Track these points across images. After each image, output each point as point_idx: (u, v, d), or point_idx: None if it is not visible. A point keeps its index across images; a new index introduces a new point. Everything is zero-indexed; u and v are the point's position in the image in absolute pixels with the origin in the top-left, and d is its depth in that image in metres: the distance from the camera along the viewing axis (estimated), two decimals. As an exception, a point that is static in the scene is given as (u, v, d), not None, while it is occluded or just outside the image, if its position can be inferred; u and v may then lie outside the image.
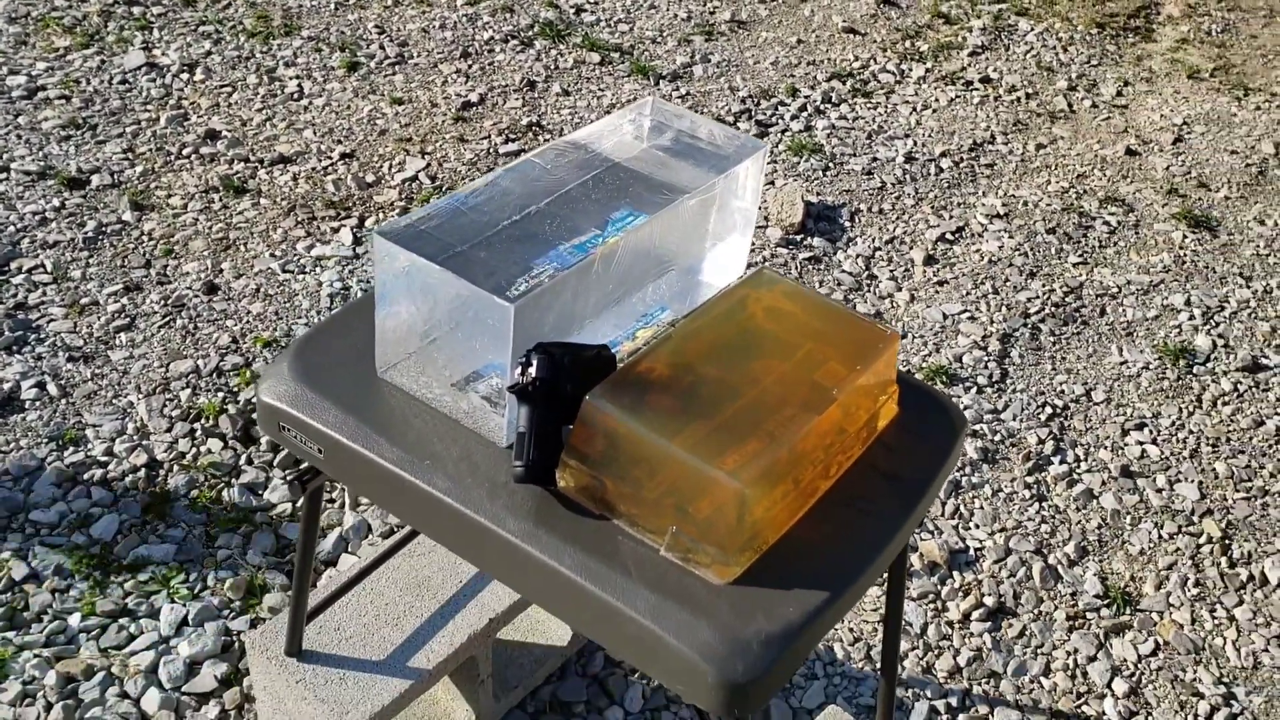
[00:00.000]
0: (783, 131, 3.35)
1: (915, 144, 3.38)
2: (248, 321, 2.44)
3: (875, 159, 3.28)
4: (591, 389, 1.11)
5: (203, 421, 2.18)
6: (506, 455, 1.15)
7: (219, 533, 1.99)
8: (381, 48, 3.49)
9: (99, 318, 2.39)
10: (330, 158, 2.98)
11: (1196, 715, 1.94)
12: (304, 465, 1.28)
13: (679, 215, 1.26)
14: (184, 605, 1.85)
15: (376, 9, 3.70)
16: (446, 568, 1.68)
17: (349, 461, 1.15)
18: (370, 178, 2.93)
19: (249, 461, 2.13)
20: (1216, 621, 2.10)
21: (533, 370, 1.08)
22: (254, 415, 2.21)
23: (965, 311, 2.75)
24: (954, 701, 1.91)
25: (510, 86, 3.39)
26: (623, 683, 1.84)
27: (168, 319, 2.41)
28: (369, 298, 1.31)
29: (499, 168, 1.40)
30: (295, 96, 3.21)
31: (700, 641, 0.98)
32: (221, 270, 2.57)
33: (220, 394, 2.25)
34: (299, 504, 2.05)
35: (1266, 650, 2.05)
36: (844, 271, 2.82)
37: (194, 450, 2.13)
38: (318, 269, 2.61)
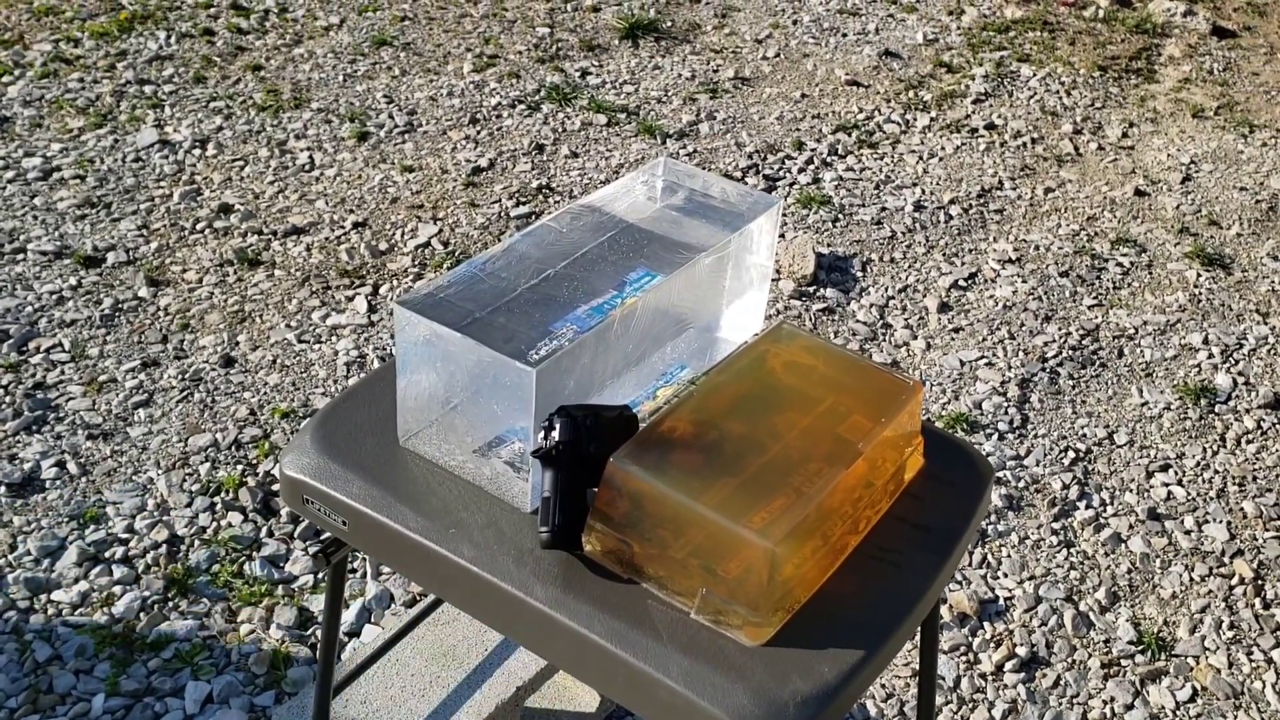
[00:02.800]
0: (790, 185, 3.37)
1: (923, 192, 3.40)
2: (265, 393, 2.44)
3: (884, 208, 3.29)
4: (614, 449, 1.10)
5: (223, 495, 2.18)
6: (531, 521, 1.14)
7: (241, 607, 1.98)
8: (390, 117, 3.53)
9: (117, 394, 2.40)
10: (343, 227, 3.00)
11: (1240, 762, 1.90)
12: (326, 537, 1.27)
13: (695, 273, 1.26)
14: (208, 682, 1.84)
15: (384, 79, 3.75)
16: (472, 636, 1.66)
17: (374, 532, 1.15)
18: (383, 245, 2.95)
19: (269, 534, 2.12)
20: (1254, 664, 2.07)
21: (555, 434, 1.07)
22: (274, 487, 2.21)
23: (983, 357, 2.74)
24: (991, 756, 1.88)
25: (519, 150, 3.42)
26: (653, 747, 1.81)
27: (185, 393, 2.42)
28: (388, 367, 1.31)
29: (516, 233, 1.41)
30: (306, 168, 3.24)
31: (736, 706, 0.96)
32: (238, 343, 2.58)
33: (239, 466, 2.25)
34: (321, 576, 2.04)
35: (1308, 692, 2.01)
36: (858, 321, 2.81)
37: (214, 524, 2.12)
38: (333, 338, 2.62)
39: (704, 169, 3.35)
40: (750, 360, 1.24)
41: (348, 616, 1.98)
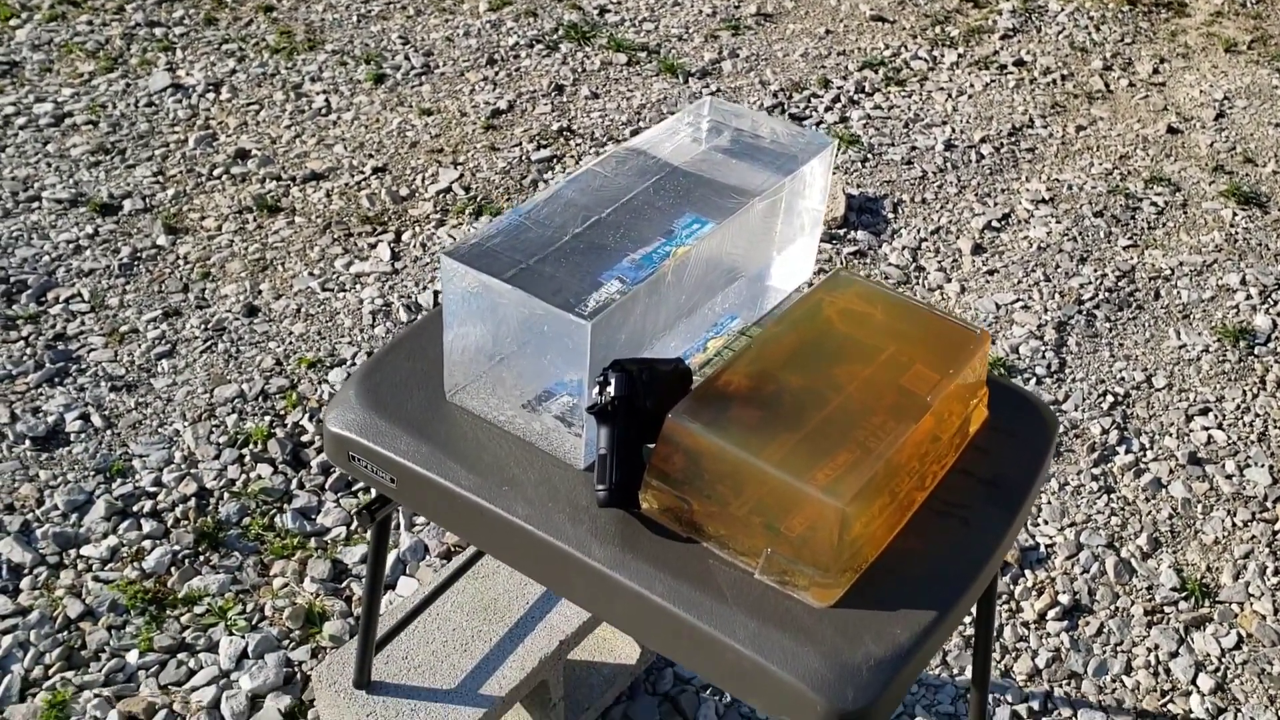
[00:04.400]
0: (817, 124, 3.29)
1: (954, 131, 3.32)
2: (290, 343, 2.40)
3: (914, 148, 3.22)
4: (670, 404, 1.06)
5: (251, 447, 2.15)
6: (585, 478, 1.10)
7: (273, 560, 1.96)
8: (407, 58, 3.45)
9: (139, 345, 2.36)
10: (362, 172, 2.94)
11: (1287, 710, 1.87)
12: (372, 495, 1.23)
13: (747, 220, 1.21)
14: (243, 637, 1.82)
15: (399, 20, 3.66)
16: (513, 589, 1.64)
17: (423, 490, 1.11)
18: (404, 191, 2.89)
19: (300, 486, 2.09)
20: (1300, 611, 2.04)
21: (611, 389, 1.03)
22: (303, 438, 2.18)
23: (1018, 300, 2.69)
24: (1035, 705, 1.85)
25: (538, 92, 3.35)
26: (694, 699, 1.79)
27: (209, 343, 2.38)
28: (430, 318, 1.27)
29: (560, 178, 1.35)
30: (323, 111, 3.17)
31: (807, 669, 0.93)
32: (260, 291, 2.53)
33: (267, 418, 2.21)
34: (354, 529, 2.01)
35: (1355, 639, 1.98)
36: (891, 265, 2.76)
37: (243, 477, 2.09)
38: (357, 286, 2.57)
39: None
40: (807, 309, 1.19)
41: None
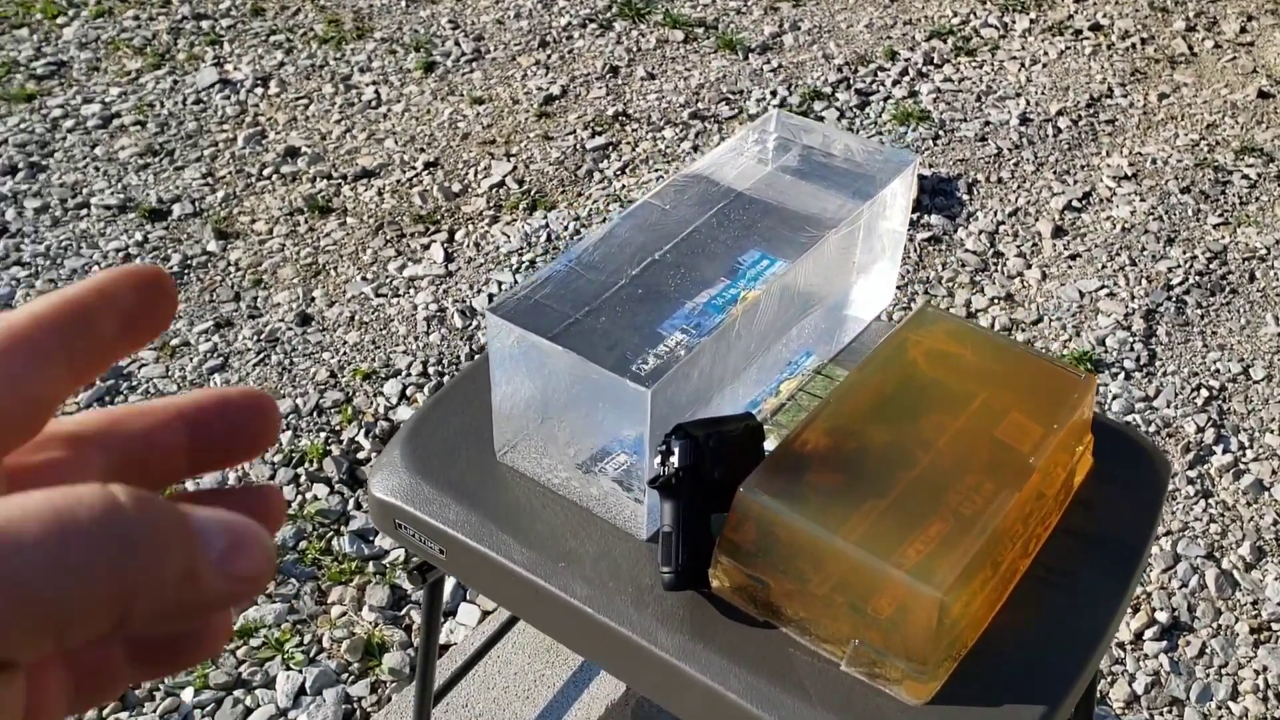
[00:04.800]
0: (885, 99, 3.15)
1: (1028, 103, 3.15)
2: (344, 353, 2.33)
3: (988, 123, 3.06)
4: (741, 468, 0.96)
5: (306, 465, 2.09)
6: (648, 550, 1.01)
7: (331, 586, 1.90)
8: (457, 44, 3.35)
9: (191, 359, 2.31)
10: (414, 168, 2.86)
11: None
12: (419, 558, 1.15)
13: (822, 254, 1.09)
14: (300, 672, 1.76)
15: (448, 3, 3.56)
16: (575, 629, 1.55)
17: (474, 563, 1.02)
18: (456, 187, 2.81)
19: (358, 506, 2.02)
20: None
21: (674, 459, 0.93)
22: (359, 455, 2.11)
23: (1103, 287, 2.54)
24: (1134, 736, 1.74)
25: (592, 75, 3.23)
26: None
27: (262, 355, 2.32)
28: (476, 366, 1.18)
29: (616, 215, 1.25)
30: (373, 104, 3.09)
31: (901, 781, 0.83)
32: (313, 299, 2.47)
33: (323, 434, 2.15)
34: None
35: None
36: (968, 251, 2.62)
37: (299, 498, 2.03)
38: (411, 291, 2.49)
39: (790, 85, 3.14)
40: (890, 352, 1.08)
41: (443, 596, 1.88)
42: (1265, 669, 1.83)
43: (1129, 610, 1.90)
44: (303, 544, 1.96)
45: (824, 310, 1.18)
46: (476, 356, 2.32)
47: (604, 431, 1.04)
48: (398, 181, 2.82)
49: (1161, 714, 1.77)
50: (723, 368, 1.04)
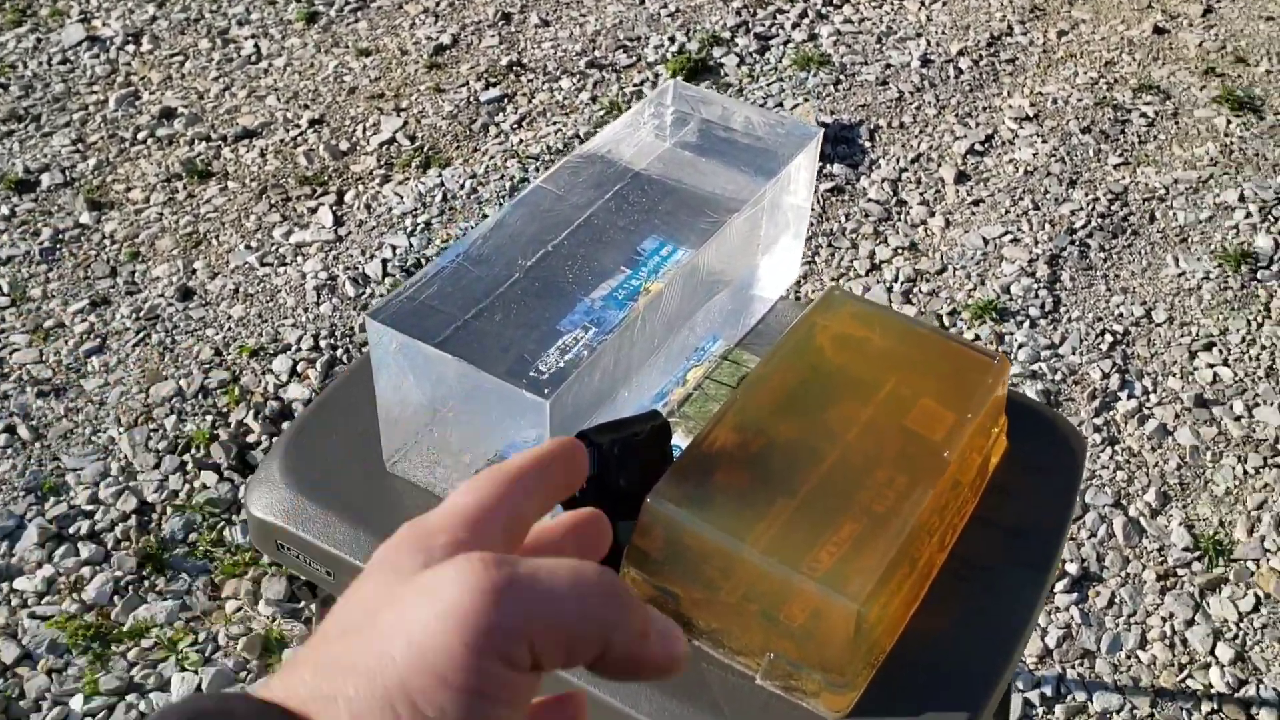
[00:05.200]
0: (785, 43, 3.08)
1: (929, 44, 3.12)
2: (229, 328, 2.22)
3: (889, 65, 3.02)
4: (649, 471, 0.90)
5: (193, 452, 1.98)
6: (553, 563, 0.95)
7: (224, 580, 1.81)
8: (340, -8, 3.19)
9: (67, 341, 2.18)
10: (298, 126, 2.73)
11: (1310, 676, 1.78)
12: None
13: (726, 238, 1.04)
14: (196, 673, 1.68)
15: (329, -52, 3.39)
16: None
17: (364, 585, 0.96)
18: (344, 145, 2.68)
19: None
20: (1319, 565, 1.93)
21: (577, 471, 0.87)
22: (248, 439, 2.01)
23: (1007, 233, 2.53)
24: (1048, 691, 1.75)
25: (484, 22, 3.11)
26: None
27: (142, 335, 2.20)
28: (359, 368, 1.10)
29: (506, 204, 1.17)
30: (253, 59, 2.93)
31: (822, 805, 0.80)
32: (194, 270, 2.34)
33: (209, 417, 2.04)
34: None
35: (1377, 594, 1.88)
36: (871, 200, 2.59)
37: (187, 487, 1.93)
38: (299, 259, 2.38)
39: (689, 31, 3.06)
40: (797, 340, 1.03)
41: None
42: (1172, 615, 1.86)
43: (1040, 563, 1.91)
44: (193, 536, 1.87)
45: (729, 293, 1.13)
46: (357, 355, 2.23)
47: (500, 436, 0.98)
48: (281, 141, 2.68)
49: (1073, 666, 1.78)
50: (626, 363, 0.98)
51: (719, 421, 0.95)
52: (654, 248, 1.02)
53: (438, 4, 3.17)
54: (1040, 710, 1.73)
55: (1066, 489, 1.04)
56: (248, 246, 2.40)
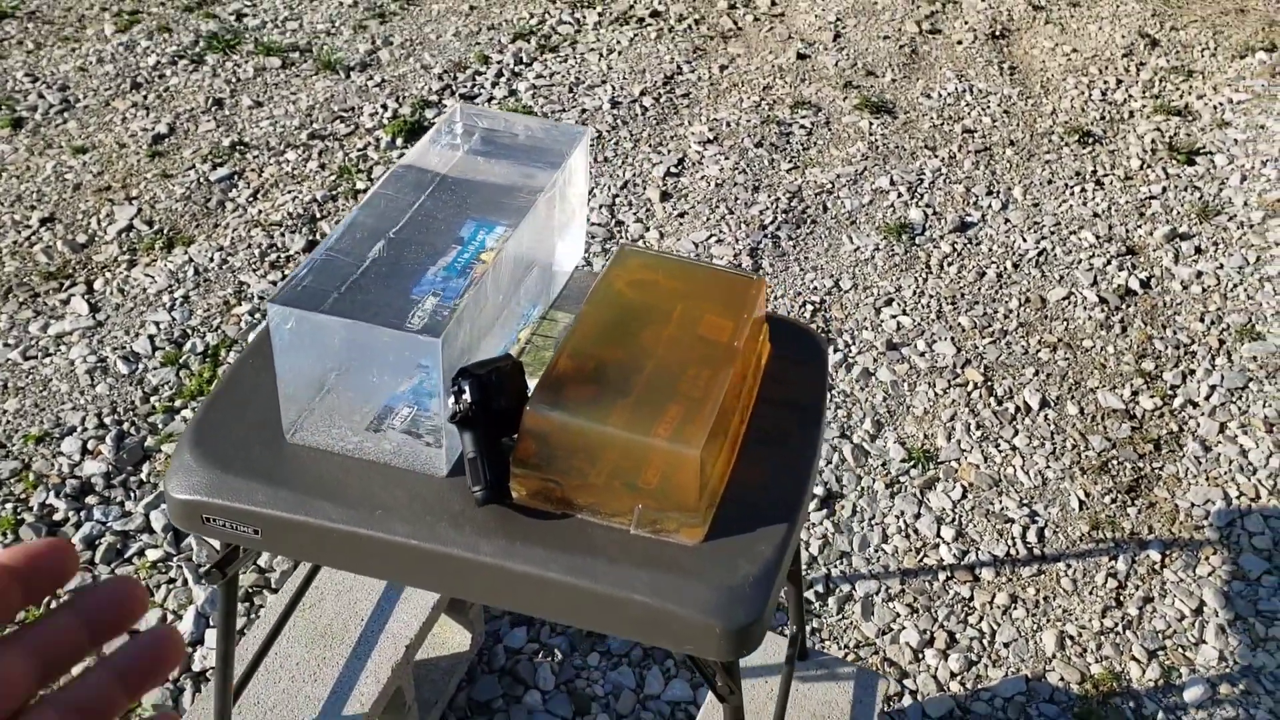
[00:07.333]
0: (488, 100, 3.38)
1: (614, 88, 3.50)
2: (8, 421, 2.24)
3: (584, 109, 3.37)
4: (514, 398, 1.15)
5: (2, 538, 2.01)
6: (451, 484, 1.17)
7: (64, 647, 1.86)
8: (41, 96, 3.22)
9: None
10: (29, 226, 2.75)
11: (1013, 537, 2.21)
12: (216, 555, 1.24)
13: (536, 216, 1.30)
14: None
15: (19, 55, 3.39)
16: (344, 611, 1.66)
17: (294, 534, 1.14)
18: (81, 238, 2.73)
19: (68, 565, 1.98)
20: (1003, 454, 2.39)
21: (466, 396, 1.10)
22: (55, 517, 2.06)
23: (711, 235, 2.91)
24: (820, 588, 2.09)
25: (197, 109, 3.22)
26: (530, 666, 1.89)
27: (-87, 441, 2.19)
28: (239, 367, 1.28)
29: (355, 207, 1.38)
30: (-37, 168, 2.92)
31: (702, 601, 1.06)
32: (-46, 374, 2.34)
33: (9, 505, 2.07)
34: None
35: (1048, 467, 2.35)
36: (595, 224, 2.91)
37: (3, 571, 1.96)
38: (62, 347, 2.43)
39: (398, 98, 3.30)
40: (604, 289, 1.30)
41: (184, 627, 1.91)
42: (902, 512, 2.25)
43: (794, 493, 2.26)
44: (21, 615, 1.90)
45: (539, 269, 1.39)
46: (230, 360, 2.32)
47: (383, 391, 1.19)
48: (15, 243, 2.70)
49: (835, 566, 2.13)
50: (483, 321, 1.21)
51: (561, 354, 1.21)
52: (472, 231, 1.27)
53: (145, 97, 3.26)
54: (817, 605, 2.06)
55: (819, 371, 1.36)
56: (5, 344, 2.42)
